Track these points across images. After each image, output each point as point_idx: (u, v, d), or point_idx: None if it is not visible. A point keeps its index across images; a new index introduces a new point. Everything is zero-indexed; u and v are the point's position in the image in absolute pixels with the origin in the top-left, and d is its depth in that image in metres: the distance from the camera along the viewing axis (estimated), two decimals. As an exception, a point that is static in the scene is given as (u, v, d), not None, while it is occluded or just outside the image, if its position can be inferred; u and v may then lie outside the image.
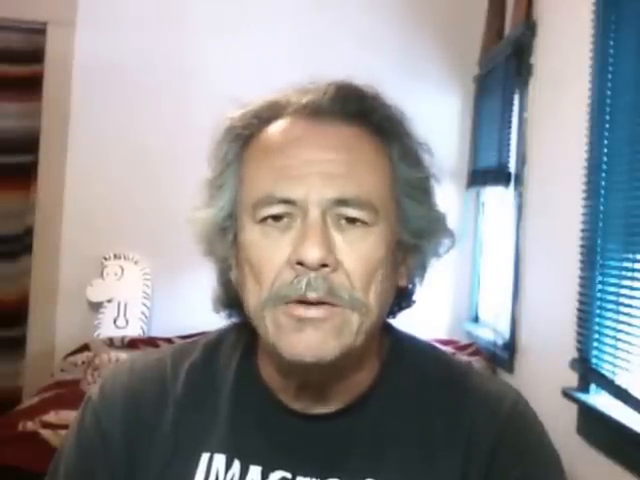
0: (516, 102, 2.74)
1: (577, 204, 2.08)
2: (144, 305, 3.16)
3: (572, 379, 2.07)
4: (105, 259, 3.17)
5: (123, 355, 2.57)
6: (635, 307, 1.80)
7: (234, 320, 0.87)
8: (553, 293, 2.34)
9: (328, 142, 0.77)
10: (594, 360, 1.98)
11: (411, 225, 0.80)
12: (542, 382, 2.28)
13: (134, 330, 3.09)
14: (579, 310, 2.06)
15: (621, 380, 1.84)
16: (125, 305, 3.13)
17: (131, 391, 0.85)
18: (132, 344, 2.89)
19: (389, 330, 0.87)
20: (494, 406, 0.82)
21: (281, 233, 0.75)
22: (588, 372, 2.00)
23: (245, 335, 0.86)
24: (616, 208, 1.93)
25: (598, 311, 1.98)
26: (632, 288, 1.83)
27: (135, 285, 3.16)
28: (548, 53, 2.53)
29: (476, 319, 3.26)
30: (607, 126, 1.98)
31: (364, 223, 0.76)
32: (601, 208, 1.98)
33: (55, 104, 3.21)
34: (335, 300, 0.74)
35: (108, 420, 0.84)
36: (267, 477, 0.79)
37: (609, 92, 1.98)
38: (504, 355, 2.72)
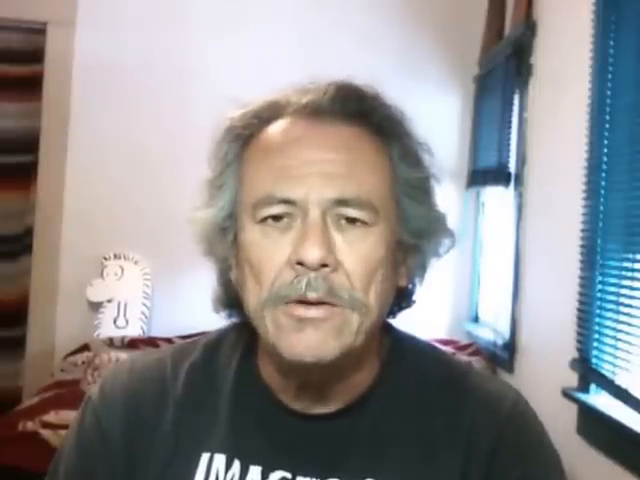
0: (516, 102, 2.74)
1: (577, 204, 2.08)
2: (144, 305, 3.16)
3: (572, 379, 2.07)
4: (105, 259, 3.17)
5: (123, 355, 2.57)
6: (635, 307, 1.80)
7: (234, 320, 0.87)
8: (553, 293, 2.34)
9: (328, 142, 0.77)
10: (594, 360, 1.98)
11: (411, 225, 0.80)
12: (542, 382, 2.28)
13: (134, 330, 3.09)
14: (579, 310, 2.06)
15: (621, 380, 1.84)
16: (125, 305, 3.13)
17: (131, 391, 0.85)
18: (132, 344, 2.89)
19: (389, 330, 0.87)
20: (494, 406, 0.82)
21: (281, 233, 0.75)
22: (588, 372, 2.00)
23: (245, 335, 0.86)
24: (616, 208, 1.93)
25: (598, 311, 1.98)
26: (632, 288, 1.83)
27: (135, 285, 3.16)
28: (548, 53, 2.53)
29: (476, 319, 3.26)
30: (607, 126, 1.98)
31: (364, 223, 0.76)
32: (601, 208, 1.98)
33: (55, 104, 3.21)
34: (335, 300, 0.74)
35: (108, 420, 0.84)
36: (267, 477, 0.79)
37: (609, 92, 1.98)
38: (504, 355, 2.72)
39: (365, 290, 0.75)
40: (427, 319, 2.61)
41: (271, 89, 0.83)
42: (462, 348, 2.99)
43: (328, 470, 0.79)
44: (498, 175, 2.82)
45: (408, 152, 0.81)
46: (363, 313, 0.75)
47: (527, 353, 2.56)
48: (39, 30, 3.21)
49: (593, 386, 2.00)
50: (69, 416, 1.98)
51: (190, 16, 3.26)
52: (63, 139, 3.20)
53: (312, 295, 0.73)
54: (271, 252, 0.75)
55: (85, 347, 2.93)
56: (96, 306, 3.15)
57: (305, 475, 0.79)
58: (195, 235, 0.82)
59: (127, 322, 3.12)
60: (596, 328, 1.99)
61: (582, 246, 2.05)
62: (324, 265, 0.73)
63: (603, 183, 1.98)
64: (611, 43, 1.98)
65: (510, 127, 2.76)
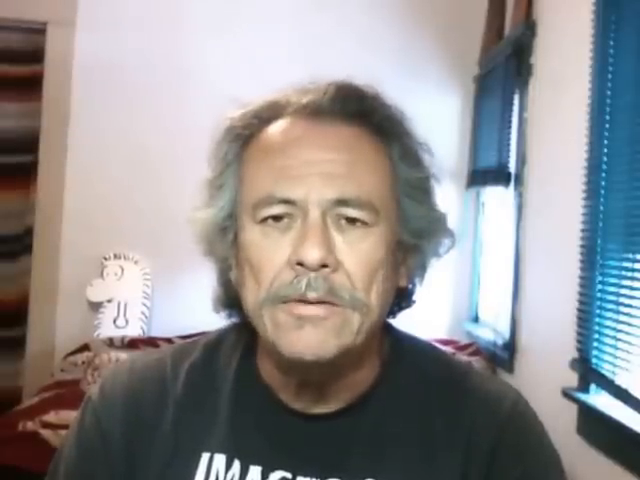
0: (516, 102, 2.74)
1: (577, 204, 2.08)
2: (144, 305, 3.16)
3: (572, 379, 2.07)
4: (105, 259, 3.17)
5: (123, 355, 2.57)
6: (635, 307, 1.80)
7: (234, 320, 0.87)
8: (553, 293, 2.34)
9: (328, 142, 0.77)
10: (594, 360, 1.98)
11: (411, 225, 0.80)
12: (542, 382, 2.28)
13: (134, 330, 3.09)
14: (579, 310, 2.06)
15: (621, 380, 1.84)
16: (125, 305, 3.13)
17: (131, 391, 0.85)
18: (132, 344, 2.89)
19: (389, 330, 0.87)
20: (494, 406, 0.82)
21: (281, 233, 0.75)
22: (588, 372, 2.00)
23: (245, 335, 0.86)
24: (616, 208, 1.93)
25: (598, 311, 1.98)
26: (632, 288, 1.83)
27: (135, 285, 3.16)
28: (548, 53, 2.53)
29: (476, 319, 3.26)
30: (607, 126, 1.98)
31: (364, 223, 0.76)
32: (601, 208, 1.98)
33: (55, 104, 3.21)
34: (336, 300, 0.74)
35: (108, 420, 0.84)
36: (267, 477, 0.79)
37: (609, 92, 1.98)
38: (504, 355, 2.72)
39: (367, 290, 0.75)
40: (427, 319, 2.61)
41: (271, 89, 0.83)
42: (462, 348, 2.99)
43: (328, 470, 0.79)
44: (498, 175, 2.82)
45: (408, 152, 0.81)
46: (364, 313, 0.75)
47: (527, 353, 2.56)
48: (39, 30, 3.21)
49: (593, 386, 2.00)
50: (69, 416, 1.98)
51: (190, 16, 3.26)
52: (63, 139, 3.20)
53: (312, 295, 0.73)
54: (271, 252, 0.75)
55: (85, 347, 2.93)
56: (96, 306, 3.15)
57: (305, 475, 0.79)
58: (195, 235, 0.82)
59: (127, 322, 3.12)
60: (596, 328, 1.99)
61: (582, 246, 2.05)
62: (324, 265, 0.73)
63: (603, 183, 1.98)
64: (611, 43, 1.98)
65: (510, 127, 2.76)
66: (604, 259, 1.97)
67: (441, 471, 0.79)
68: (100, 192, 3.20)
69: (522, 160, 2.67)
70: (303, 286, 0.73)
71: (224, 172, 0.81)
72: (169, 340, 2.72)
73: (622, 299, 1.88)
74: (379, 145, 0.79)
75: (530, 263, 2.57)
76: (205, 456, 0.81)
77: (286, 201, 0.75)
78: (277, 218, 0.76)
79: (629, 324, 1.83)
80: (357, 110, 0.79)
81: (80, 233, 3.18)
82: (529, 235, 2.59)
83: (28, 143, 3.23)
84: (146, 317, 3.16)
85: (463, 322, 3.29)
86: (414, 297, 0.87)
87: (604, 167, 1.98)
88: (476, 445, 0.80)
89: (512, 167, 2.75)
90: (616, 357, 1.89)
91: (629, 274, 1.84)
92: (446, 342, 3.01)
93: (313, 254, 0.72)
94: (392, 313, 0.86)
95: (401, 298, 0.85)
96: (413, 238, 0.81)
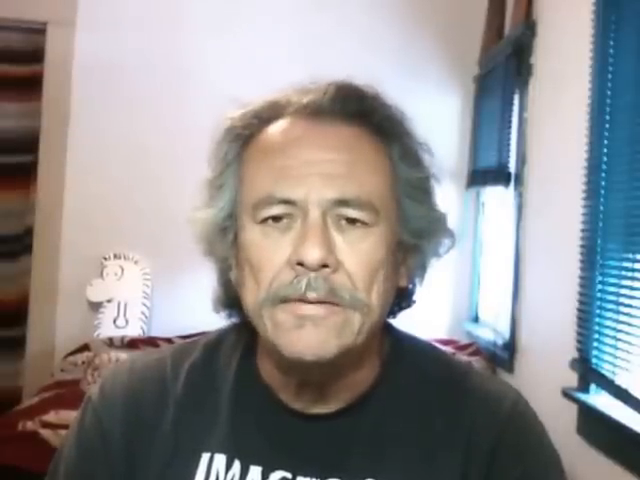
0: (516, 102, 2.74)
1: (577, 204, 2.08)
2: (144, 305, 3.16)
3: (572, 379, 2.07)
4: (105, 259, 3.17)
5: (123, 355, 2.57)
6: (635, 307, 1.81)
7: (234, 320, 0.87)
8: (553, 293, 2.34)
9: (328, 142, 0.77)
10: (594, 360, 1.98)
11: (411, 225, 0.80)
12: (542, 382, 2.28)
13: (134, 330, 3.09)
14: (579, 310, 2.06)
15: (621, 380, 1.84)
16: (125, 305, 3.13)
17: (131, 391, 0.85)
18: (132, 344, 2.89)
19: (389, 330, 0.87)
20: (494, 406, 0.82)
21: (281, 233, 0.75)
22: (588, 372, 2.00)
23: (245, 335, 0.86)
24: (616, 208, 1.93)
25: (598, 311, 1.98)
26: (632, 288, 1.83)
27: (135, 285, 3.16)
28: (548, 53, 2.53)
29: (476, 319, 3.26)
30: (607, 126, 1.98)
31: (364, 223, 0.76)
32: (601, 208, 1.98)
33: (55, 104, 3.21)
34: (336, 300, 0.74)
35: (108, 420, 0.84)
36: (267, 477, 0.79)
37: (609, 92, 1.98)
38: (504, 355, 2.72)
39: (367, 290, 0.75)
40: (427, 319, 2.61)
41: (271, 89, 0.83)
42: (462, 348, 2.99)
43: (328, 470, 0.79)
44: (498, 175, 2.82)
45: (408, 152, 0.81)
46: (365, 313, 0.75)
47: (527, 353, 2.56)
48: (39, 30, 3.21)
49: (593, 386, 2.00)
50: (69, 416, 1.98)
51: (190, 16, 3.26)
52: (63, 139, 3.20)
53: (312, 295, 0.73)
54: (271, 252, 0.75)
55: (85, 347, 2.93)
56: (96, 306, 3.15)
57: (305, 475, 0.79)
58: (195, 235, 0.82)
59: (127, 322, 3.12)
60: (596, 328, 1.99)
61: (582, 246, 2.05)
62: (324, 265, 0.73)
63: (603, 183, 1.98)
64: (611, 43, 1.98)
65: (510, 127, 2.76)
66: (604, 259, 1.97)
67: (441, 471, 0.79)
68: (100, 192, 3.20)
69: (522, 160, 2.67)
70: (303, 286, 0.73)
71: (224, 172, 0.81)
72: (169, 340, 2.72)
73: (622, 299, 1.88)
74: (379, 145, 0.79)
75: (530, 263, 2.57)
76: (205, 456, 0.81)
77: (286, 201, 0.75)
78: (277, 218, 0.75)
79: (629, 324, 1.83)
80: (357, 110, 0.79)
81: (80, 233, 3.18)
82: (529, 235, 2.59)
83: (28, 143, 3.23)
84: (146, 317, 3.16)
85: (463, 322, 3.29)
86: (414, 297, 0.87)
87: (604, 167, 1.98)
88: (476, 445, 0.80)
89: (512, 167, 2.75)
90: (616, 357, 1.89)
91: (629, 274, 1.84)
92: (446, 342, 3.01)
93: (313, 254, 0.72)
94: (392, 313, 0.86)
95: (401, 298, 0.85)
96: (413, 238, 0.81)
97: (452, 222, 0.84)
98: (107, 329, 3.08)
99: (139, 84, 3.22)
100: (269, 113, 0.80)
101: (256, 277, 0.76)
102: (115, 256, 3.18)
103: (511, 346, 2.66)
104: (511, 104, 2.76)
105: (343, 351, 0.75)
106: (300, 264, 0.73)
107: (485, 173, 3.03)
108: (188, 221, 0.82)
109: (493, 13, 3.13)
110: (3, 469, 1.92)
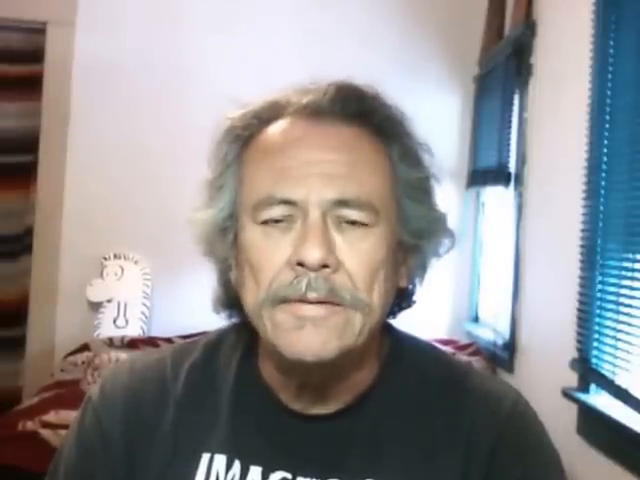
0: (516, 102, 2.74)
1: (577, 204, 2.08)
2: (144, 305, 3.16)
3: (572, 379, 2.07)
4: (105, 259, 3.17)
5: (123, 355, 2.57)
6: (635, 307, 1.80)
7: (234, 320, 0.87)
8: (553, 293, 2.34)
9: (328, 142, 0.77)
10: (594, 360, 1.98)
11: (411, 225, 0.80)
12: (542, 382, 2.28)
13: (134, 330, 3.09)
14: (579, 310, 2.06)
15: (621, 380, 1.84)
16: (125, 305, 3.13)
17: (131, 391, 0.85)
18: (132, 344, 2.89)
19: (389, 330, 0.87)
20: (494, 406, 0.82)
21: (282, 234, 0.75)
22: (588, 372, 2.00)
23: (245, 335, 0.86)
24: (616, 208, 1.93)
25: (598, 311, 1.98)
26: (632, 288, 1.83)
27: (135, 285, 3.16)
28: (548, 53, 2.53)
29: (476, 319, 3.26)
30: (607, 126, 1.98)
31: (364, 224, 0.76)
32: (601, 208, 1.98)
33: (55, 104, 3.21)
34: (337, 300, 0.74)
35: (108, 420, 0.84)
36: (267, 477, 0.79)
37: (609, 92, 1.98)
38: (504, 355, 2.72)
39: (368, 290, 0.75)
40: (427, 319, 2.61)
41: (271, 89, 0.83)
42: (462, 348, 2.99)
43: (328, 470, 0.79)
44: (498, 175, 2.82)
45: (408, 152, 0.81)
46: (366, 313, 0.75)
47: (527, 353, 2.56)
48: (39, 30, 3.21)
49: (593, 386, 2.00)
50: (69, 416, 1.98)
51: (190, 16, 3.26)
52: (63, 139, 3.20)
53: (312, 295, 0.73)
54: (271, 253, 0.75)
55: (85, 347, 2.93)
56: (96, 306, 3.15)
57: (305, 475, 0.79)
58: (195, 236, 0.82)
59: (127, 322, 3.12)
60: (596, 328, 1.99)
61: (582, 246, 2.05)
62: (325, 266, 0.73)
63: (603, 183, 1.98)
64: (611, 43, 1.98)
65: (510, 127, 2.76)
66: (604, 259, 1.97)
67: (441, 471, 0.79)
68: (100, 192, 3.20)
69: (522, 160, 2.67)
70: (303, 286, 0.73)
71: (224, 173, 0.81)
72: (169, 340, 2.72)
73: (622, 299, 1.88)
74: (379, 145, 0.79)
75: (530, 263, 2.57)
76: (205, 456, 0.81)
77: (286, 202, 0.75)
78: (277, 219, 0.75)
79: (629, 324, 1.83)
80: (357, 110, 0.79)
81: (80, 233, 3.18)
82: (529, 235, 2.59)
83: (28, 143, 3.23)
84: (146, 317, 3.16)
85: (463, 322, 3.29)
86: (414, 297, 0.87)
87: (604, 167, 1.98)
88: (476, 445, 0.80)
89: (512, 167, 2.75)
90: (616, 357, 1.89)
91: (629, 274, 1.84)
92: (446, 342, 3.01)
93: (314, 254, 0.72)
94: (392, 313, 0.86)
95: (401, 298, 0.85)
96: (413, 238, 0.81)
97: (452, 222, 0.84)
98: (107, 329, 3.08)
99: (139, 84, 3.22)
100: (269, 113, 0.80)
101: (256, 277, 0.76)
102: (115, 256, 3.17)
103: (511, 346, 2.66)
104: (511, 104, 2.75)
105: (344, 352, 0.74)
106: (300, 264, 0.73)
107: (485, 173, 3.03)
108: (188, 221, 0.82)
109: (493, 13, 3.13)
110: (3, 469, 1.92)
